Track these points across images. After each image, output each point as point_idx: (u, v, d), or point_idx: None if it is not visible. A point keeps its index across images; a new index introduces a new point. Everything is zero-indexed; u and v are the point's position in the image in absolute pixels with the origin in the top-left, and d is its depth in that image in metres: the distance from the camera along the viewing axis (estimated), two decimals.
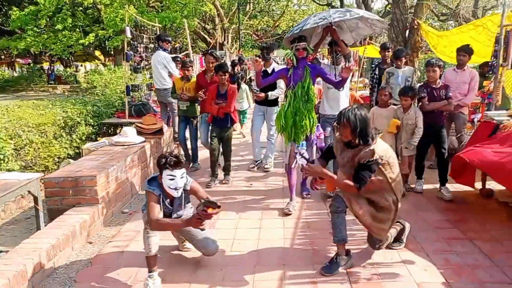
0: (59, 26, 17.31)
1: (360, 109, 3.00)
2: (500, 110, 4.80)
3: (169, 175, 2.92)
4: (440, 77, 4.76)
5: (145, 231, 2.95)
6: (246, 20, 27.11)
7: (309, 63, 4.16)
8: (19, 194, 3.86)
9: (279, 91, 5.49)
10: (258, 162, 5.95)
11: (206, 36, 23.65)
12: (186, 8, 17.51)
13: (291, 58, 4.06)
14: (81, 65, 29.19)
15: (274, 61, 5.76)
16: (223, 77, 4.95)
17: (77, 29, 18.57)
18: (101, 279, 3.08)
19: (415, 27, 7.45)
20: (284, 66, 4.47)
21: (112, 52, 23.24)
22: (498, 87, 4.91)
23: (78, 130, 6.39)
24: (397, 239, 3.44)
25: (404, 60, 5.50)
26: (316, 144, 4.35)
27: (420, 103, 4.64)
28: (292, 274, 3.09)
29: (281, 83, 5.31)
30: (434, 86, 4.60)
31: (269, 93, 5.38)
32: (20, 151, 5.03)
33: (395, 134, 4.50)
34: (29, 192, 3.72)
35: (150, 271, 2.96)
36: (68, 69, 28.64)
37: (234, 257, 3.37)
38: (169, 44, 6.98)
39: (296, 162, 4.18)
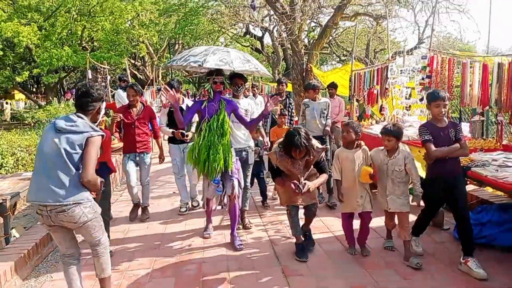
0: None
1: (302, 132, 3.53)
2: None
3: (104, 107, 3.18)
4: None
5: None
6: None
7: (224, 97, 4.15)
8: None
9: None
10: (186, 203, 5.57)
11: (136, 73, 24.86)
12: (118, 47, 18.95)
13: (208, 90, 4.01)
14: (6, 102, 28.81)
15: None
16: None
17: (8, 67, 19.08)
18: None
19: (309, 69, 9.95)
20: (192, 101, 4.69)
21: (34, 90, 23.43)
22: (353, 110, 7.40)
23: None
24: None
25: (318, 92, 5.63)
26: (237, 178, 4.17)
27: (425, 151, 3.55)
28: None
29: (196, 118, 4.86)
30: (439, 125, 3.50)
31: (193, 128, 5.04)
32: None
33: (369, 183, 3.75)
34: None
35: None
36: None
37: None
38: (125, 83, 8.18)
39: (215, 194, 4.18)
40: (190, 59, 3.93)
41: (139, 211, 5.32)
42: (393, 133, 3.58)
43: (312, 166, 3.84)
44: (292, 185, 3.53)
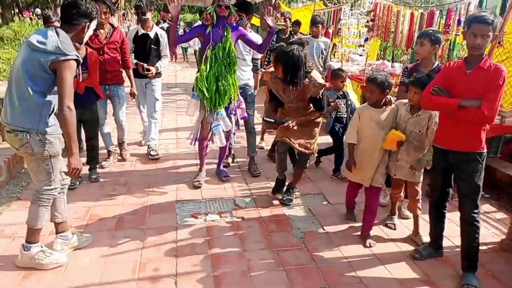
0: None
1: (295, 50, 3.16)
2: None
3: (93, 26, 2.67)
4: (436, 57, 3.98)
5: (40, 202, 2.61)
6: None
7: (230, 23, 3.76)
8: None
9: (167, 61, 4.77)
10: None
11: None
12: None
13: (211, 14, 3.65)
14: None
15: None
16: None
17: None
18: None
19: (277, 5, 10.38)
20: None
21: None
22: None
23: None
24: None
25: (321, 28, 5.20)
26: (235, 114, 4.00)
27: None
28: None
29: (167, 51, 4.71)
30: (422, 69, 3.25)
31: (159, 64, 4.59)
32: None
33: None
34: None
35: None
36: None
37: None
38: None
39: (212, 132, 3.90)
40: None
41: (113, 157, 4.64)
42: (424, 83, 2.77)
43: (310, 103, 3.42)
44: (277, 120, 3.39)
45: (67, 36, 2.46)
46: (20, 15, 22.68)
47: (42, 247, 2.69)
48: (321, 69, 5.19)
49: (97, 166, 4.24)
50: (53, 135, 2.52)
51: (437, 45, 3.26)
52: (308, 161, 3.72)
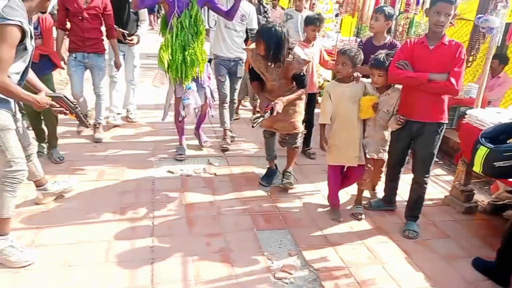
0: None
1: (278, 26, 2.98)
2: None
3: None
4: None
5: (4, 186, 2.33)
6: None
7: None
8: None
9: (146, 26, 4.70)
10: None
11: None
12: None
13: None
14: None
15: None
16: None
17: None
18: None
19: None
20: None
21: None
22: None
23: None
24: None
25: (305, 1, 4.87)
26: (208, 86, 3.92)
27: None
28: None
29: (146, 15, 4.62)
30: (375, 43, 3.48)
31: (139, 31, 4.52)
32: None
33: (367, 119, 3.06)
34: None
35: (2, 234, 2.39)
36: None
37: None
38: None
39: (183, 106, 3.80)
40: None
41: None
42: (384, 63, 2.91)
43: (293, 80, 3.26)
44: (264, 107, 3.17)
45: (20, 4, 2.20)
46: None
47: (12, 241, 2.40)
48: None
49: (57, 144, 3.81)
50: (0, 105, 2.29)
51: (390, 21, 3.49)
52: (299, 139, 3.50)
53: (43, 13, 2.65)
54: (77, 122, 3.00)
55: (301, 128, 3.45)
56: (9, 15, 2.11)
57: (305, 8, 4.94)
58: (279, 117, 3.21)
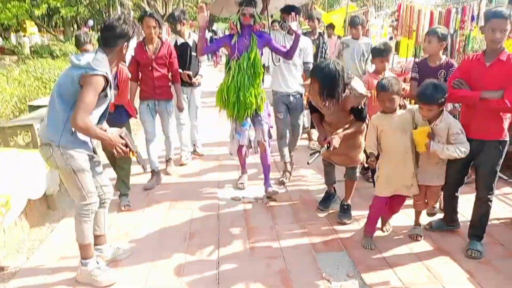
0: None
1: (331, 64, 2.98)
2: None
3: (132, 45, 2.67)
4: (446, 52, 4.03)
5: (80, 215, 2.62)
6: None
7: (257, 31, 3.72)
8: None
9: (206, 64, 4.91)
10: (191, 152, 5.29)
11: (147, 8, 24.92)
12: None
13: (235, 23, 3.65)
14: (24, 35, 29.51)
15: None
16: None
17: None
18: None
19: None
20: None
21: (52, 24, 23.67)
22: None
23: None
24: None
25: (361, 29, 4.94)
26: (267, 123, 3.97)
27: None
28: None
29: (205, 57, 4.89)
30: (430, 64, 3.45)
31: (201, 71, 4.87)
32: None
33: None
34: None
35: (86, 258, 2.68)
36: (7, 39, 28.77)
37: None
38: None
39: (238, 141, 3.99)
40: None
41: (157, 178, 4.48)
42: (436, 100, 2.75)
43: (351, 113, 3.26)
44: (321, 141, 3.24)
45: (104, 57, 2.52)
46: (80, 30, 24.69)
47: (98, 263, 2.74)
48: (361, 72, 4.91)
49: (128, 192, 3.94)
50: (75, 150, 2.52)
51: (444, 42, 3.43)
52: (358, 170, 3.58)
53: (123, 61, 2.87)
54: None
55: (360, 161, 3.47)
56: (97, 66, 2.42)
57: (362, 35, 5.00)
58: (338, 151, 3.24)
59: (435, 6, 5.71)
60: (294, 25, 3.67)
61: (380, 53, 3.76)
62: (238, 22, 3.64)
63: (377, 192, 3.11)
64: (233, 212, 3.78)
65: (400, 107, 3.02)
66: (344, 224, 3.48)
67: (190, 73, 4.72)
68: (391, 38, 5.91)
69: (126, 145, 2.64)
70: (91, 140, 2.64)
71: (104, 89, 2.49)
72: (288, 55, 3.81)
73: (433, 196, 3.15)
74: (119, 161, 3.78)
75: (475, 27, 4.67)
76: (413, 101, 3.82)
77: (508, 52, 2.75)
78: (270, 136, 4.07)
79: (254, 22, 3.66)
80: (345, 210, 3.55)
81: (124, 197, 3.92)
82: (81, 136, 2.53)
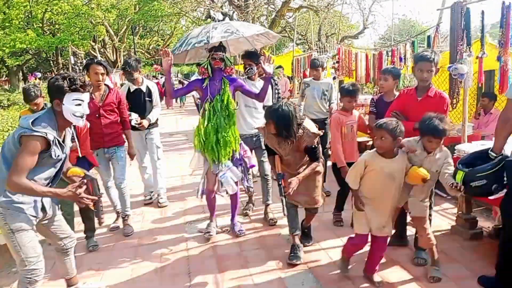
0: None
1: (284, 105, 3.11)
2: None
3: (76, 99, 2.50)
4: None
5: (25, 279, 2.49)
6: (137, 40, 27.51)
7: (227, 75, 3.79)
8: None
9: (159, 110, 4.94)
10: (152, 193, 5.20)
11: (96, 55, 24.71)
12: (81, 31, 19.49)
13: (206, 67, 3.73)
14: None
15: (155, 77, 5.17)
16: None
17: None
18: None
19: (262, 54, 11.59)
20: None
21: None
22: (295, 87, 9.13)
23: None
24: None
25: (321, 71, 5.15)
26: (241, 164, 3.95)
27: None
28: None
29: (158, 102, 4.93)
30: (386, 99, 3.79)
31: (151, 115, 4.78)
32: None
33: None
34: None
35: None
36: None
37: None
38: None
39: (221, 185, 3.87)
40: (193, 41, 3.70)
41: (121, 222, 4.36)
42: (441, 133, 2.79)
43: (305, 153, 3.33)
44: (281, 184, 3.23)
45: (51, 117, 2.47)
46: (24, 81, 24.14)
47: None
48: (324, 110, 5.09)
49: (93, 234, 3.97)
50: (16, 207, 2.43)
51: (397, 79, 3.92)
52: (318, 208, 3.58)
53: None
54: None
55: (321, 201, 3.50)
56: (37, 126, 2.36)
57: (323, 76, 5.20)
58: (300, 191, 3.29)
59: (369, 49, 6.48)
60: (267, 67, 3.65)
61: (348, 93, 3.89)
62: (209, 66, 3.74)
63: (355, 229, 3.09)
64: (201, 240, 3.97)
65: (397, 152, 2.89)
66: (307, 246, 3.71)
67: (137, 118, 4.60)
68: (334, 78, 6.56)
69: (90, 193, 2.57)
70: (41, 199, 2.55)
71: (47, 150, 2.41)
72: (259, 96, 3.86)
73: (421, 228, 3.13)
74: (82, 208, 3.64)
75: (404, 67, 5.40)
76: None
77: (435, 89, 3.28)
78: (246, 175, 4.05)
79: (225, 66, 3.76)
80: (307, 234, 3.78)
81: (91, 239, 3.93)
82: (25, 195, 2.45)
